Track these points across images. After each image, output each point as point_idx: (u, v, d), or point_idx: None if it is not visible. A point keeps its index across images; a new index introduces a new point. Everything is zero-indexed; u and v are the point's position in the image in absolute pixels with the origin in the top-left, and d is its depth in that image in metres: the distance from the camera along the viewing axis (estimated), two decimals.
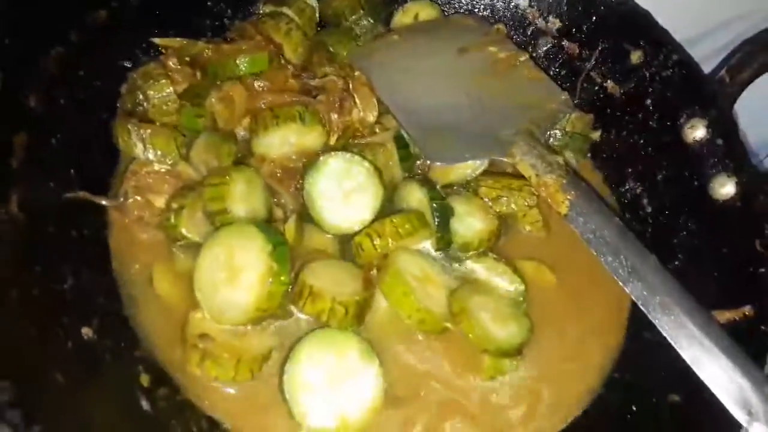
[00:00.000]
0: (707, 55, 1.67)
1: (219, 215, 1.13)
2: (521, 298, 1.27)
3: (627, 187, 1.46)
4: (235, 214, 1.14)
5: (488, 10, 1.60)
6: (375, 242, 1.20)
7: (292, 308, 1.15)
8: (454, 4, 1.62)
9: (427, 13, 1.55)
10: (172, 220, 1.15)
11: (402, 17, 1.56)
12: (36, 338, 0.94)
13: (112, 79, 1.30)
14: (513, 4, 1.57)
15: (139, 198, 1.16)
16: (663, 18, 1.49)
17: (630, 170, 1.46)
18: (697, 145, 1.33)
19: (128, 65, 1.33)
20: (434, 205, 1.25)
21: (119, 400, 1.03)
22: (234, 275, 1.08)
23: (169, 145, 1.22)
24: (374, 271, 1.20)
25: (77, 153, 1.19)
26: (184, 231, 1.15)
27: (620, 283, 1.13)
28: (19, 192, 1.04)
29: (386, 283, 1.18)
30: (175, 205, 1.15)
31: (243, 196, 1.16)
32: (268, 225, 1.15)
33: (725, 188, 1.28)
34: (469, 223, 1.30)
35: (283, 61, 1.37)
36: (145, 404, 1.04)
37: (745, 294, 1.18)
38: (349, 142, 1.32)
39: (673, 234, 1.34)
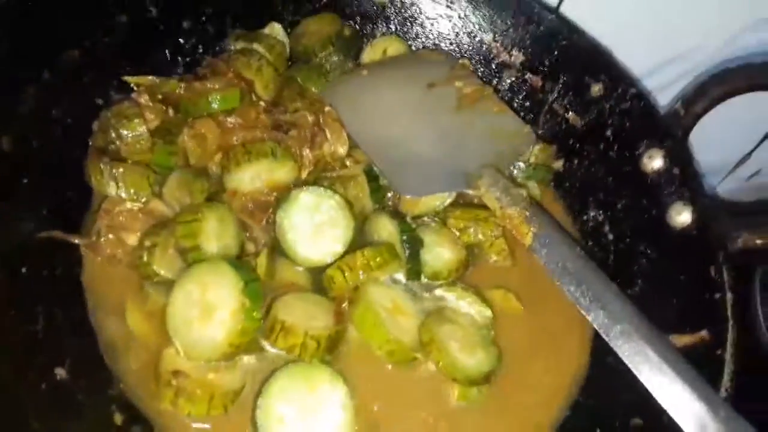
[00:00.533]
0: (663, 85, 1.75)
1: (191, 252, 1.15)
2: (489, 326, 1.30)
3: (589, 215, 1.51)
4: (208, 251, 1.16)
5: (454, 45, 1.65)
6: (346, 275, 1.22)
7: (264, 343, 1.17)
8: (422, 39, 1.66)
9: (395, 48, 1.60)
10: (145, 258, 1.16)
11: (371, 53, 1.61)
12: (11, 382, 0.94)
13: (84, 117, 1.31)
14: (478, 39, 1.62)
15: (111, 236, 1.17)
16: (621, 50, 1.56)
17: (591, 199, 1.51)
18: (655, 174, 1.38)
19: (101, 102, 1.35)
20: (404, 237, 1.28)
21: None
22: (207, 312, 1.09)
23: (142, 183, 1.23)
24: (345, 304, 1.23)
25: (50, 192, 1.20)
26: (156, 268, 1.16)
27: (582, 312, 1.17)
28: None
29: (357, 314, 1.20)
30: (147, 243, 1.17)
31: (215, 233, 1.18)
32: (239, 261, 1.17)
33: (682, 216, 1.33)
34: (438, 253, 1.34)
35: (254, 98, 1.40)
36: None
37: (701, 319, 1.22)
38: (320, 175, 1.36)
39: (634, 261, 1.39)
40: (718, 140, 1.66)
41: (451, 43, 1.65)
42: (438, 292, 1.33)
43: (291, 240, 1.25)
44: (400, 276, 1.30)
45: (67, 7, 1.25)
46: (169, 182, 1.25)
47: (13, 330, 1.02)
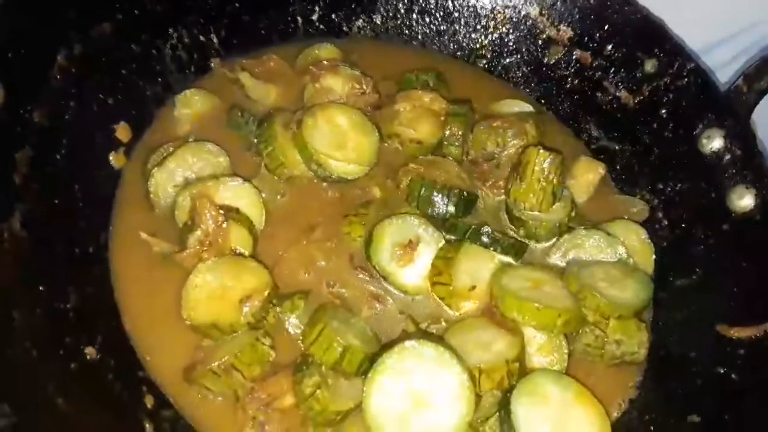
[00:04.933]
0: (721, 64, 1.64)
1: (345, 358, 1.06)
2: (625, 254, 1.27)
3: (641, 198, 1.42)
4: (354, 344, 1.07)
5: (497, 20, 1.57)
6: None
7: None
8: (464, 14, 1.58)
9: (326, 53, 1.48)
10: (317, 407, 1.05)
11: (302, 59, 1.48)
12: (37, 360, 0.92)
13: (116, 93, 1.28)
14: (523, 13, 1.54)
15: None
16: (675, 26, 1.47)
17: (644, 181, 1.42)
18: (714, 156, 1.30)
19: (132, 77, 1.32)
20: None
21: (123, 425, 1.00)
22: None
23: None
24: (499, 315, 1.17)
25: (81, 168, 1.18)
26: (335, 408, 1.05)
27: None
28: (21, 209, 1.02)
29: (514, 309, 1.14)
30: (307, 392, 1.05)
31: (349, 332, 1.10)
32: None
33: (744, 200, 1.25)
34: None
35: None
36: (149, 428, 1.01)
37: (766, 310, 1.14)
38: None
39: (691, 247, 1.31)
40: None
41: (493, 18, 1.57)
42: (560, 245, 1.30)
43: None
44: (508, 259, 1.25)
45: None
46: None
47: (41, 306, 0.99)
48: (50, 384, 0.92)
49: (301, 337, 1.12)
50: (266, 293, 1.10)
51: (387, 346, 1.07)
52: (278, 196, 1.29)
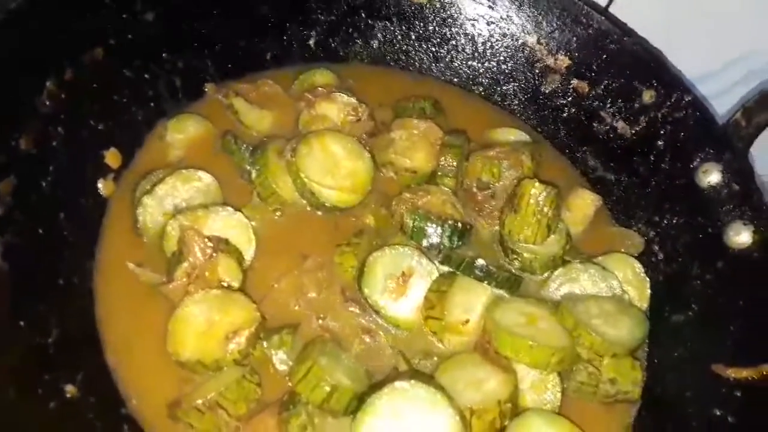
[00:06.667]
0: (715, 93, 1.64)
1: (333, 396, 1.04)
2: (620, 290, 1.26)
3: (637, 231, 1.40)
4: (344, 384, 1.05)
5: (494, 48, 1.56)
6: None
7: None
8: (461, 41, 1.57)
9: (323, 79, 1.46)
10: None
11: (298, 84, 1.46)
12: (15, 401, 0.89)
13: (106, 117, 1.26)
14: (521, 41, 1.53)
15: None
16: (673, 53, 1.46)
17: (641, 213, 1.41)
18: (712, 190, 1.28)
19: (123, 101, 1.30)
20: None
21: None
22: None
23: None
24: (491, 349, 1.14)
25: (68, 196, 1.15)
26: None
27: None
28: (3, 241, 1.00)
29: (506, 345, 1.11)
30: None
31: (337, 370, 1.08)
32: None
33: (741, 236, 1.22)
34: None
35: None
36: None
37: (763, 351, 1.12)
38: None
39: (687, 282, 1.28)
40: None
41: (491, 46, 1.56)
42: (555, 278, 1.28)
43: None
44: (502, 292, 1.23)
45: (89, 4, 1.20)
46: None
47: (22, 342, 0.96)
48: (28, 426, 0.88)
49: (288, 374, 1.10)
50: (253, 329, 1.07)
51: (377, 385, 1.04)
52: (270, 225, 1.27)
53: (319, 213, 1.29)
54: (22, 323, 0.98)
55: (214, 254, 1.11)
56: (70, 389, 0.99)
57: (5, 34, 1.04)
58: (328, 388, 1.02)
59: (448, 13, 1.55)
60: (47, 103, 1.13)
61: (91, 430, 0.98)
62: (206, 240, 1.11)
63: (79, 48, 1.20)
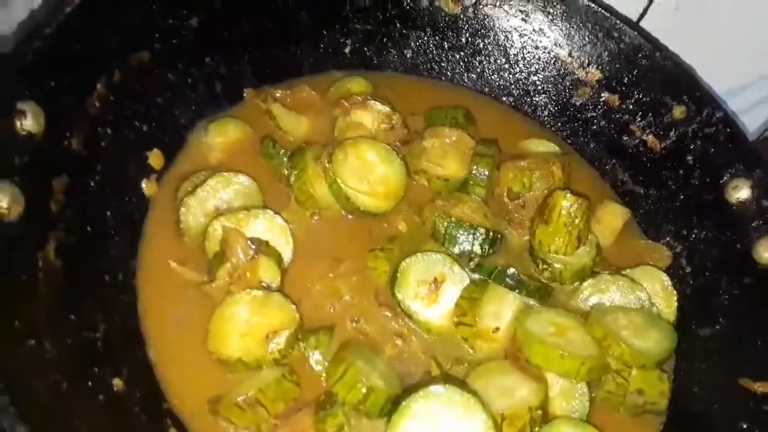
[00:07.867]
0: (742, 110, 1.65)
1: (369, 398, 1.06)
2: (649, 302, 1.27)
3: (665, 244, 1.42)
4: (378, 385, 1.07)
5: (526, 60, 1.58)
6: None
7: None
8: (493, 53, 1.59)
9: (358, 87, 1.49)
10: None
11: (333, 92, 1.49)
12: (67, 393, 0.92)
13: (150, 120, 1.29)
14: (552, 54, 1.55)
15: None
16: (704, 68, 1.48)
17: (669, 227, 1.42)
18: (741, 206, 1.30)
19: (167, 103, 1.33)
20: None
21: None
22: None
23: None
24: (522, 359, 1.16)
25: (114, 195, 1.18)
26: None
27: None
28: (56, 237, 1.03)
29: (537, 355, 1.14)
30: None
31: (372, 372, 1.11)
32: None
33: None
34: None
35: None
36: None
37: None
38: None
39: (714, 296, 1.30)
40: None
41: (522, 58, 1.58)
42: (584, 289, 1.30)
43: None
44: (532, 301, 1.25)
45: (138, 9, 1.23)
46: None
47: (72, 336, 0.99)
48: (78, 418, 0.91)
49: (324, 374, 1.13)
50: (293, 330, 1.10)
51: (411, 389, 1.07)
52: (306, 228, 1.30)
53: (352, 217, 1.32)
54: (72, 317, 1.01)
55: (256, 255, 1.14)
56: (117, 383, 1.02)
57: (62, 37, 1.07)
58: (364, 390, 1.05)
59: (482, 24, 1.58)
60: (96, 104, 1.16)
61: (137, 422, 1.01)
62: (248, 241, 1.14)
63: (128, 51, 1.23)
